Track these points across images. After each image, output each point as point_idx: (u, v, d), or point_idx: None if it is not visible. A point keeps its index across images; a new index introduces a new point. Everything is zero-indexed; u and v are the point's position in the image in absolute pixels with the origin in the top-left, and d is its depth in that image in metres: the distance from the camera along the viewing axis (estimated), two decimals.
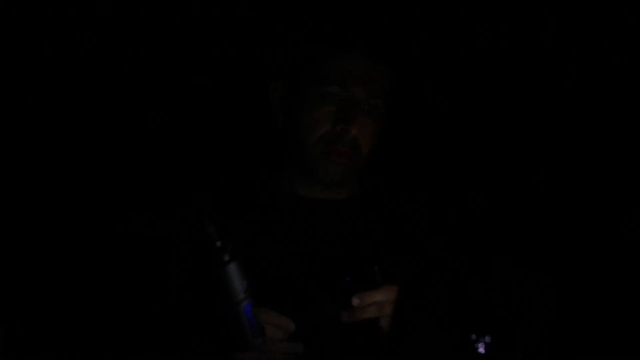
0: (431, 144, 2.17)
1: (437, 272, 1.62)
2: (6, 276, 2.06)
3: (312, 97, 1.59)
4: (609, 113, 2.10)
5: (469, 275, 1.65)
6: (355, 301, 1.43)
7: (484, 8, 2.10)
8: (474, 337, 1.42)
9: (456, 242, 1.67)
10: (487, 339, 1.42)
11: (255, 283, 1.38)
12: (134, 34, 2.11)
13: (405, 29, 2.06)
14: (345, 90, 1.58)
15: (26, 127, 2.10)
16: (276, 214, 1.63)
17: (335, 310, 1.44)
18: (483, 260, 1.77)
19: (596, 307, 2.05)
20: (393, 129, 1.68)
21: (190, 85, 2.14)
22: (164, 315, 1.56)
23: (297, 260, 1.59)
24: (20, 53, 2.08)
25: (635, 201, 2.07)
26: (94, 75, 2.12)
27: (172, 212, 1.64)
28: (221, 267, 1.36)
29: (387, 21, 1.89)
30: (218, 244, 1.36)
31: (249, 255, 1.45)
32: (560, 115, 2.12)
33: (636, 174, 2.08)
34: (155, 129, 2.14)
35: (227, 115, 2.16)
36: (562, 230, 2.10)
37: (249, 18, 2.12)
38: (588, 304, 2.05)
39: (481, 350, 1.42)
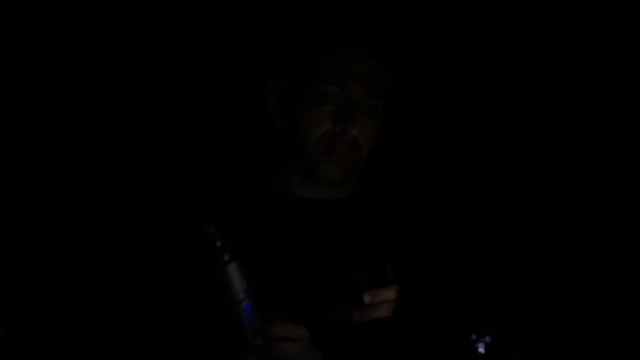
0: (430, 143, 2.17)
1: (437, 272, 1.62)
2: (6, 276, 2.06)
3: (312, 97, 1.59)
4: (608, 113, 2.10)
5: (468, 275, 1.65)
6: (367, 298, 1.42)
7: (484, 8, 2.10)
8: (474, 337, 1.42)
9: (456, 241, 1.67)
10: (487, 339, 1.42)
11: (255, 283, 1.38)
12: (134, 34, 2.11)
13: (405, 28, 2.06)
14: (345, 90, 1.58)
15: (26, 127, 2.10)
16: (275, 213, 1.63)
17: (345, 308, 1.43)
18: (483, 259, 1.77)
19: (596, 307, 2.05)
20: (392, 129, 1.68)
21: (189, 85, 2.14)
22: (164, 315, 1.56)
23: (298, 260, 1.59)
24: (20, 53, 2.08)
25: (635, 201, 2.07)
26: (93, 75, 2.11)
27: (171, 212, 1.64)
28: (221, 267, 1.36)
29: (387, 21, 1.89)
30: (218, 244, 1.36)
31: (248, 255, 1.44)
32: (561, 115, 2.12)
33: (636, 174, 2.08)
34: (154, 129, 2.14)
35: (227, 115, 2.16)
36: (562, 230, 2.09)
37: (249, 18, 2.12)
38: (588, 304, 2.05)
39: (481, 350, 1.42)
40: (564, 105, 2.12)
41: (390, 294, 1.43)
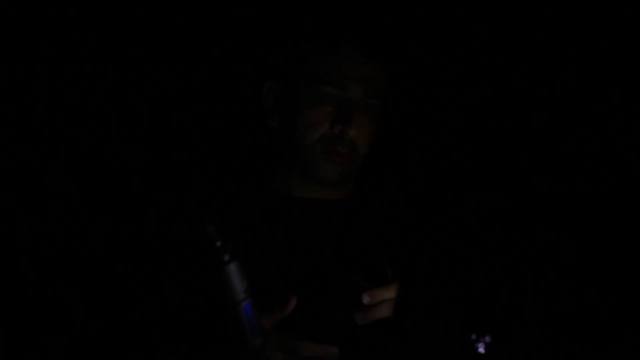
0: (429, 143, 2.17)
1: (436, 272, 1.62)
2: (6, 276, 2.06)
3: (310, 98, 1.60)
4: (608, 113, 2.10)
5: (468, 275, 1.65)
6: (366, 299, 1.42)
7: (484, 8, 2.10)
8: (474, 337, 1.42)
9: (455, 241, 1.67)
10: (487, 339, 1.42)
11: (255, 283, 1.38)
12: (133, 34, 2.11)
13: (404, 28, 2.05)
14: (343, 91, 1.58)
15: (26, 127, 2.10)
16: (273, 214, 1.63)
17: (344, 308, 1.43)
18: (482, 259, 1.77)
19: (596, 307, 2.05)
20: (390, 129, 1.68)
21: (187, 85, 2.14)
22: (164, 315, 1.56)
23: (297, 260, 1.59)
24: (20, 53, 2.08)
25: (635, 201, 2.07)
26: (92, 75, 2.11)
27: (171, 212, 1.64)
28: (221, 267, 1.36)
29: (386, 21, 1.90)
30: (218, 244, 1.36)
31: (248, 255, 1.44)
32: (560, 115, 2.12)
33: (636, 173, 2.08)
34: (153, 129, 2.14)
35: (225, 115, 2.16)
36: (562, 230, 2.09)
37: (247, 18, 2.12)
38: (588, 304, 2.05)
39: (481, 350, 1.42)
40: (564, 106, 2.12)
41: (389, 293, 1.43)
